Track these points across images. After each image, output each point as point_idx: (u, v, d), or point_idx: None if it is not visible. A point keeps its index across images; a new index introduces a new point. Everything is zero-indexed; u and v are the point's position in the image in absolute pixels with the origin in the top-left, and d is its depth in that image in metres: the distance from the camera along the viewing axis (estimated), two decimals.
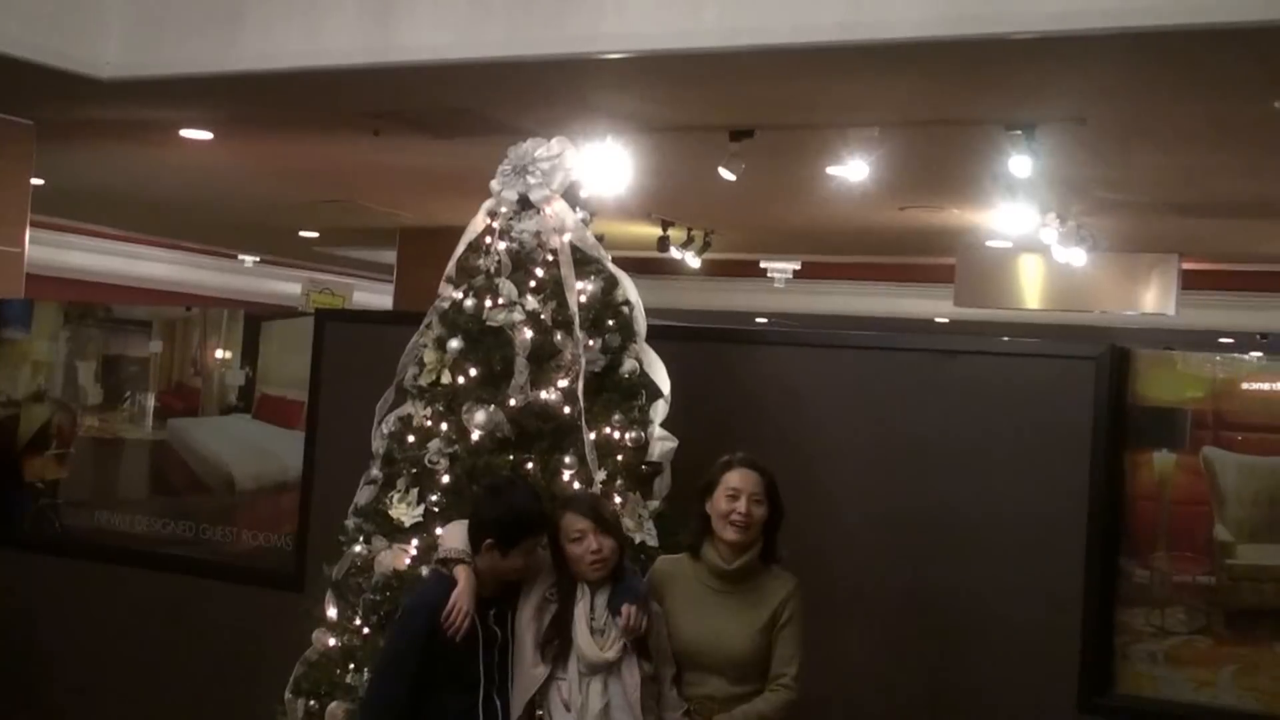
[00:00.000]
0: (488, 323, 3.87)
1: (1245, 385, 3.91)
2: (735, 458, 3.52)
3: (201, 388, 5.57)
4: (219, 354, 5.57)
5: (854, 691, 4.17)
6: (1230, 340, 13.68)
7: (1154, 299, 10.99)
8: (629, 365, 3.96)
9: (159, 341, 5.70)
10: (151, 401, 5.67)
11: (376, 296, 15.51)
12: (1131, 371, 4.00)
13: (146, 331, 5.74)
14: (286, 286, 15.56)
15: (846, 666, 4.14)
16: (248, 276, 17.10)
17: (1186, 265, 11.13)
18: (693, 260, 11.37)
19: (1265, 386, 3.90)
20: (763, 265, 13.92)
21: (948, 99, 6.22)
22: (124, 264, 15.49)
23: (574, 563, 3.34)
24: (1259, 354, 3.99)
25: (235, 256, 16.76)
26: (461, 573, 3.36)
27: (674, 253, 11.12)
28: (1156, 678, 3.90)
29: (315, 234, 13.77)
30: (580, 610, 3.31)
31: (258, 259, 16.90)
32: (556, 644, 3.30)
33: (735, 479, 3.46)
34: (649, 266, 12.24)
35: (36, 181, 8.02)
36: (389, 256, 13.19)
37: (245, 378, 5.47)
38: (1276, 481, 3.84)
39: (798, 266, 13.89)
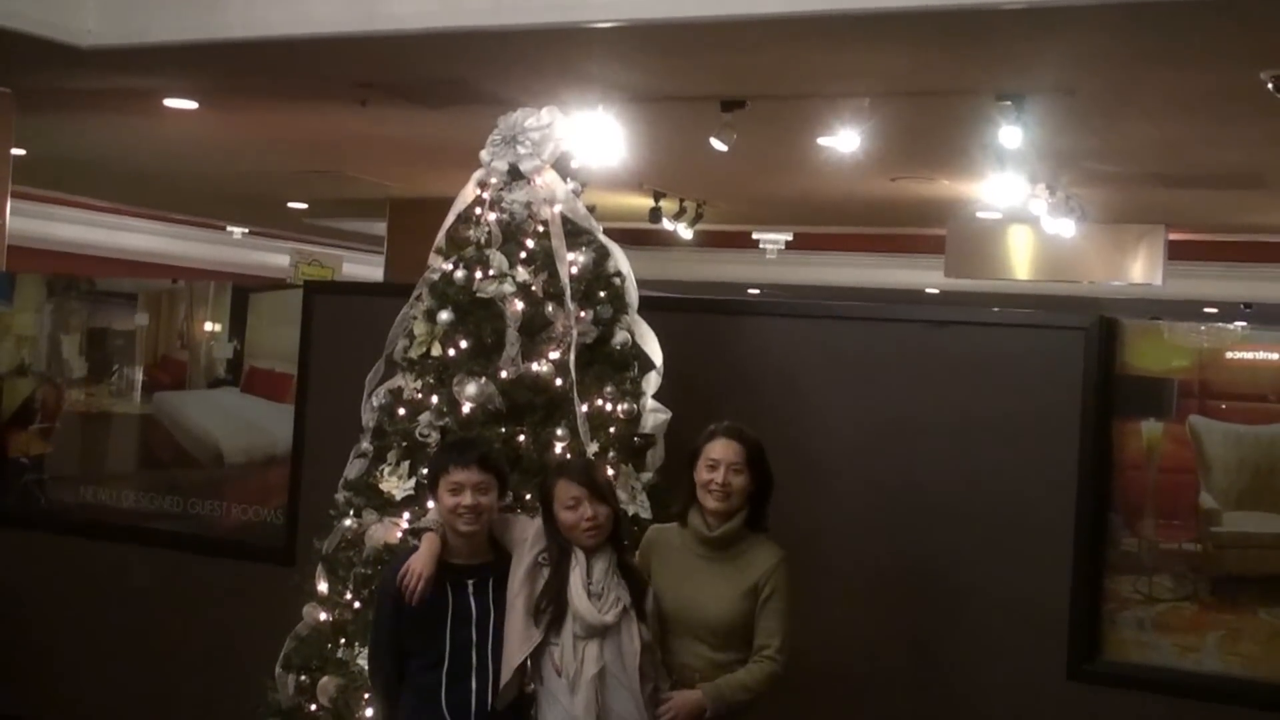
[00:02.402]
0: (478, 294, 3.85)
1: (1230, 355, 3.92)
2: (719, 427, 3.52)
3: (188, 361, 5.55)
4: (206, 327, 5.55)
5: (843, 660, 4.19)
6: (1215, 310, 13.74)
7: (1141, 269, 11.04)
8: (621, 337, 3.96)
9: (144, 314, 5.66)
10: (138, 375, 5.64)
11: (367, 269, 15.45)
12: (1120, 342, 4.01)
13: (131, 304, 5.70)
14: (275, 258, 15.50)
15: (836, 635, 4.16)
16: (236, 248, 17.02)
17: (1173, 236, 11.17)
18: (685, 232, 11.36)
19: (1250, 356, 3.92)
20: (755, 236, 13.92)
21: (938, 69, 6.21)
22: (109, 236, 15.41)
23: (568, 530, 3.31)
24: (1243, 324, 4.00)
25: (223, 228, 16.67)
26: (425, 540, 3.34)
27: (666, 224, 11.11)
28: (1144, 644, 3.94)
29: (304, 205, 13.70)
30: (576, 575, 3.27)
31: (246, 231, 16.82)
32: (551, 609, 3.26)
33: (716, 449, 3.46)
34: (641, 238, 12.24)
35: (18, 151, 7.96)
36: (379, 228, 13.14)
37: (233, 351, 5.44)
38: (1261, 450, 3.86)
39: (789, 238, 13.89)
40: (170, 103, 8.06)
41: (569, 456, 3.69)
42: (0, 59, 6.66)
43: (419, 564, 3.29)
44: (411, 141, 8.91)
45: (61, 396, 5.80)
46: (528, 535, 3.38)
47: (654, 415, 3.91)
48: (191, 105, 8.15)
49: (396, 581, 3.28)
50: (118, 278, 6.10)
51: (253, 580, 5.08)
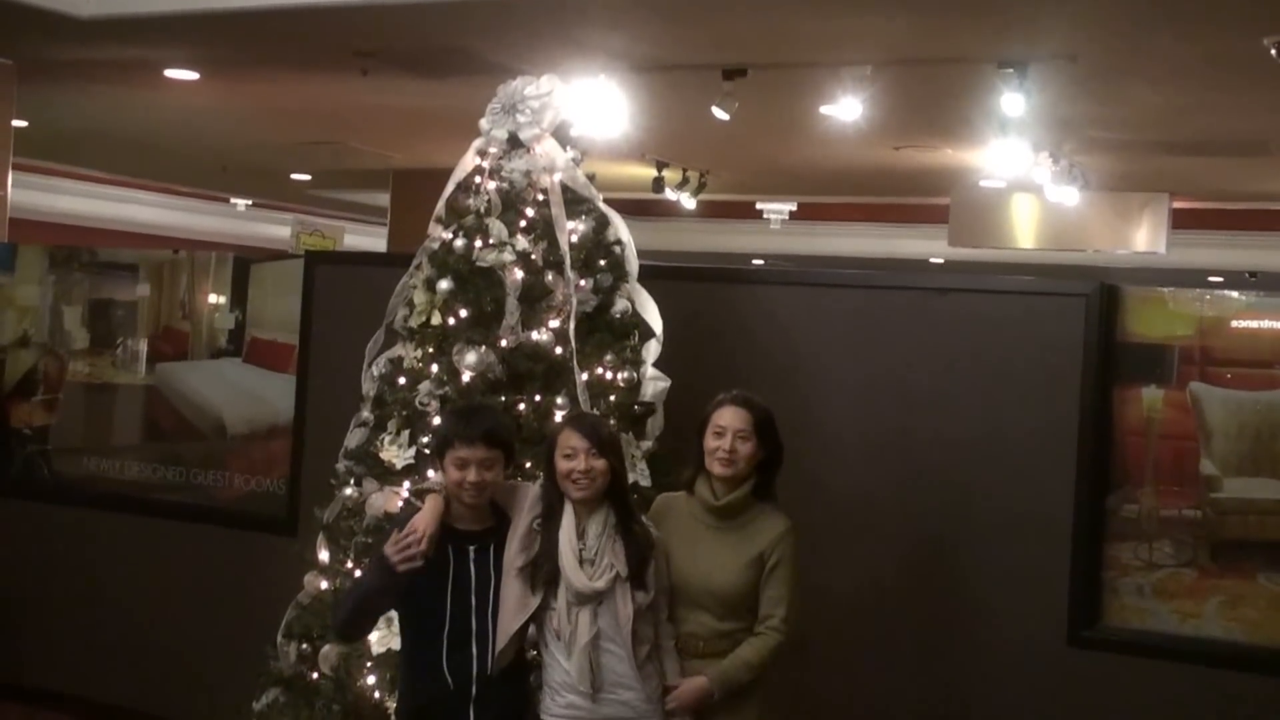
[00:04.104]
0: (478, 263, 3.84)
1: (1232, 322, 3.92)
2: (728, 395, 3.52)
3: (190, 332, 5.55)
4: (210, 298, 5.55)
5: (843, 626, 4.21)
6: (1221, 279, 13.73)
7: (1145, 238, 11.03)
8: (621, 305, 3.95)
9: (146, 285, 5.66)
10: (140, 346, 5.65)
11: (370, 240, 15.44)
12: (1121, 308, 4.01)
13: (133, 275, 5.70)
14: (279, 230, 15.48)
15: (836, 602, 4.18)
16: (240, 220, 17.00)
17: (1177, 204, 11.14)
18: (688, 201, 11.34)
19: (1252, 324, 3.91)
20: (759, 207, 13.89)
21: (939, 36, 6.17)
22: (113, 208, 15.39)
23: (562, 478, 3.30)
24: (1237, 292, 3.99)
25: (227, 200, 16.66)
26: (430, 500, 3.33)
27: (669, 194, 11.09)
28: (1144, 610, 3.95)
29: (307, 177, 13.69)
30: (565, 537, 3.27)
31: (250, 203, 16.81)
32: (546, 569, 3.25)
33: (724, 416, 3.47)
34: (644, 209, 12.22)
35: (19, 123, 7.95)
36: (382, 199, 13.12)
37: (235, 321, 5.45)
38: (1261, 416, 3.86)
39: (793, 208, 13.86)
40: (171, 73, 8.05)
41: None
42: (1, 30, 6.65)
43: (422, 522, 3.26)
44: (413, 112, 8.89)
45: (64, 367, 5.81)
46: (528, 501, 3.38)
47: (654, 383, 3.90)
48: (192, 76, 8.13)
49: (397, 542, 3.22)
50: (119, 248, 6.10)
51: (255, 550, 5.11)
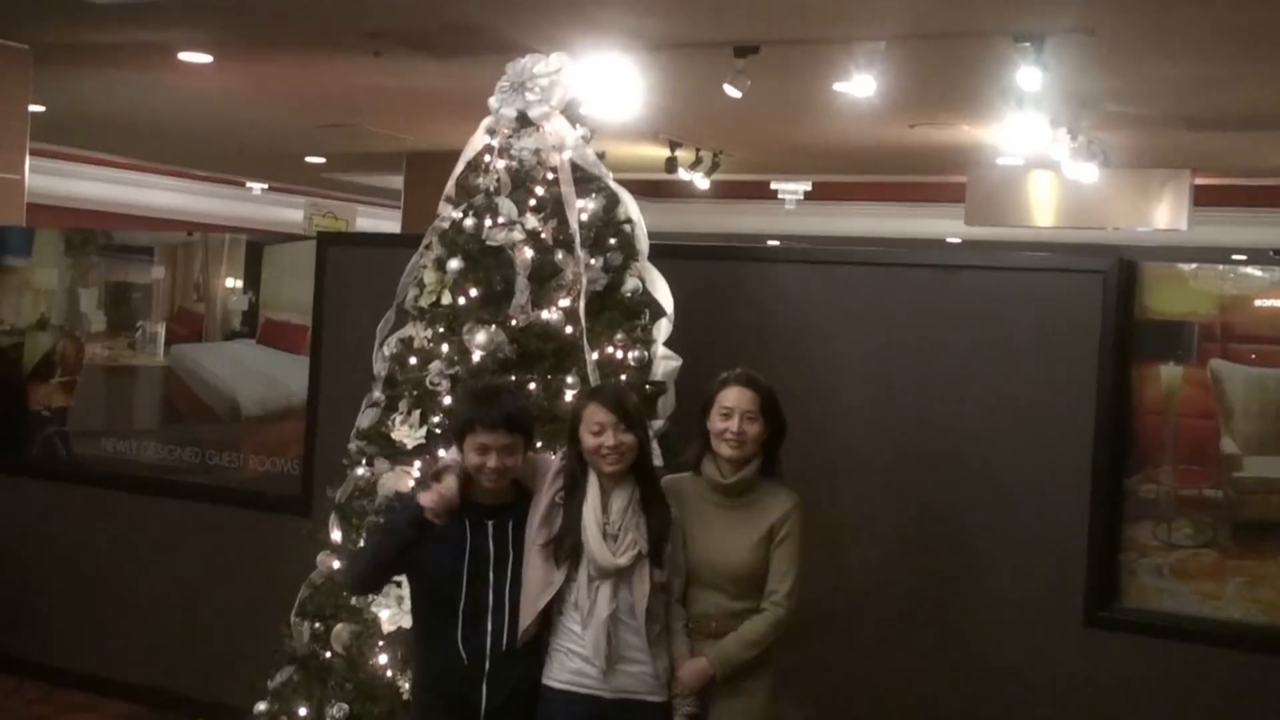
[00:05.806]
0: (488, 242, 3.82)
1: (1255, 300, 3.86)
2: (731, 375, 3.49)
3: (205, 314, 5.56)
4: (228, 282, 5.55)
5: (858, 607, 4.19)
6: (1243, 257, 13.62)
7: (1166, 215, 10.94)
8: (631, 284, 3.93)
9: (161, 267, 5.67)
10: (155, 328, 5.66)
11: (385, 224, 15.46)
12: (1139, 285, 3.96)
13: (148, 258, 5.71)
14: (294, 214, 15.52)
15: (851, 582, 4.16)
16: (256, 204, 17.04)
17: (1198, 180, 11.03)
18: (701, 181, 11.30)
19: (1275, 301, 3.85)
20: (773, 187, 13.84)
21: (955, 8, 6.12)
22: (130, 193, 15.44)
23: (590, 453, 3.27)
24: (1260, 270, 3.93)
25: (243, 184, 16.69)
26: (448, 478, 3.28)
27: (682, 174, 11.05)
28: (1163, 591, 3.91)
29: (322, 159, 13.70)
30: (590, 512, 3.24)
31: (265, 186, 16.84)
32: (569, 543, 3.23)
33: (729, 397, 3.44)
34: (658, 190, 12.19)
35: (36, 108, 7.97)
36: (396, 182, 13.13)
37: (249, 303, 5.45)
38: None
39: (808, 187, 13.80)
40: (185, 56, 8.05)
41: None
42: (17, 15, 6.67)
43: (445, 488, 3.23)
44: (426, 93, 8.88)
45: (81, 350, 5.83)
46: (548, 476, 3.35)
47: (665, 362, 3.88)
48: (206, 59, 8.14)
49: (437, 491, 3.22)
50: (134, 231, 6.10)
51: (269, 530, 5.11)
